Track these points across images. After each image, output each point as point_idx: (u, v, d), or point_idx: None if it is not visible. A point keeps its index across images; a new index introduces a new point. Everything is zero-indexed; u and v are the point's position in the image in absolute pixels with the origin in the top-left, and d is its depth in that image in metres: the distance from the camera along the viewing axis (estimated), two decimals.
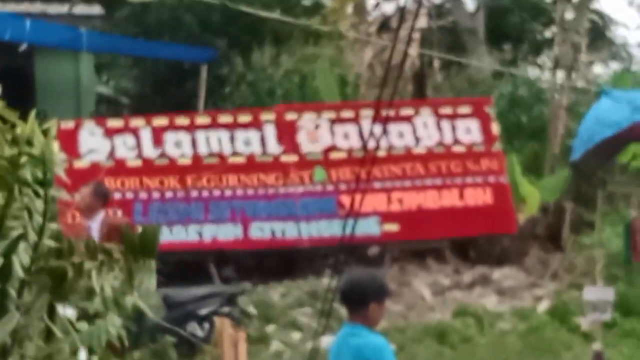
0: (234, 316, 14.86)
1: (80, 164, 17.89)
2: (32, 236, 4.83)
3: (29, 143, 4.97)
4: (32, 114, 5.06)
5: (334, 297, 8.11)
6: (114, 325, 6.01)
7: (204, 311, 15.32)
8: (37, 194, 5.03)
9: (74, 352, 5.40)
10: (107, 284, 5.52)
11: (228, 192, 19.53)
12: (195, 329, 14.64)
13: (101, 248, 5.51)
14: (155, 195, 19.16)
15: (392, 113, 20.04)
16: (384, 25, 22.71)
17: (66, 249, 5.27)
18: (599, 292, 11.76)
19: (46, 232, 4.92)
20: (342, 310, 8.70)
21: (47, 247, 4.98)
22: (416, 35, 21.52)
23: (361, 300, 7.58)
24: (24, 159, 4.91)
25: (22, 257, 4.69)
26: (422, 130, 19.98)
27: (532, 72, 27.07)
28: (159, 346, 11.75)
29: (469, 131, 20.20)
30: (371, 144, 19.61)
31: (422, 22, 21.58)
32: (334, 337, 8.07)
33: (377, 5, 23.52)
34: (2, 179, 4.89)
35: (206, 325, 15.00)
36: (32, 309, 4.95)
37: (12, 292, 4.76)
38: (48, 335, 5.25)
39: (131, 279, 5.64)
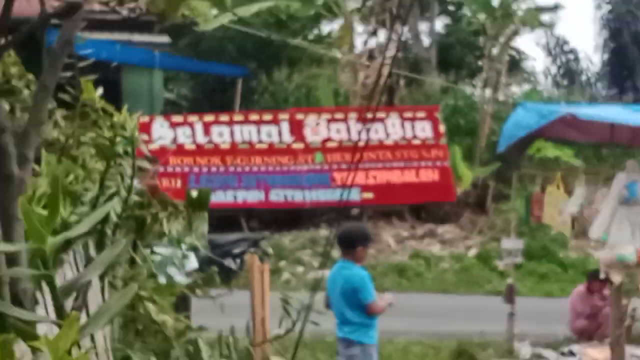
0: (257, 255, 14.86)
1: (152, 146, 17.80)
2: (123, 193, 4.79)
3: (122, 128, 4.93)
4: (125, 108, 5.02)
5: (331, 244, 8.05)
6: (178, 258, 5.98)
7: (236, 251, 15.34)
8: (126, 163, 4.99)
9: (150, 275, 5.38)
10: (174, 228, 5.48)
11: (255, 168, 19.53)
12: (230, 263, 14.64)
13: (170, 202, 5.47)
14: (204, 169, 19.16)
15: (370, 115, 20.12)
16: (370, 55, 22.69)
17: (146, 202, 5.23)
18: (512, 243, 11.69)
19: (133, 190, 4.88)
20: (334, 252, 8.66)
21: (133, 200, 4.94)
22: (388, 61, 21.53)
23: (351, 244, 7.56)
24: (118, 138, 4.86)
25: (116, 207, 4.65)
26: (391, 128, 19.96)
27: (468, 89, 26.92)
28: (207, 274, 11.75)
29: (424, 130, 20.19)
30: (356, 137, 19.63)
31: (393, 52, 21.51)
32: (330, 270, 8.04)
33: (365, 42, 23.44)
34: (103, 152, 4.85)
35: (238, 261, 15.01)
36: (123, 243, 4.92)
37: (109, 232, 4.73)
38: (132, 263, 5.22)
39: (190, 226, 5.59)
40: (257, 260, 7.29)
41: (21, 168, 3.22)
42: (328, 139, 19.92)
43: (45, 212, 1.93)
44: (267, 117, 20.28)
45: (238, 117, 20.31)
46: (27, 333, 1.61)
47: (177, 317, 5.21)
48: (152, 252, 5.60)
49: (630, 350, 9.58)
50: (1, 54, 3.86)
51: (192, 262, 8.77)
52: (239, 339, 4.31)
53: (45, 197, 4.62)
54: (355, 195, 18.68)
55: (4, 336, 1.38)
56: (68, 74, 5.25)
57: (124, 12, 3.02)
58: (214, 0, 2.66)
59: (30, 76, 5.71)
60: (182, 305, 7.26)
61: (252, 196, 19.29)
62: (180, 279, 6.50)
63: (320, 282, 7.67)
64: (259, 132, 19.81)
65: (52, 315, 2.08)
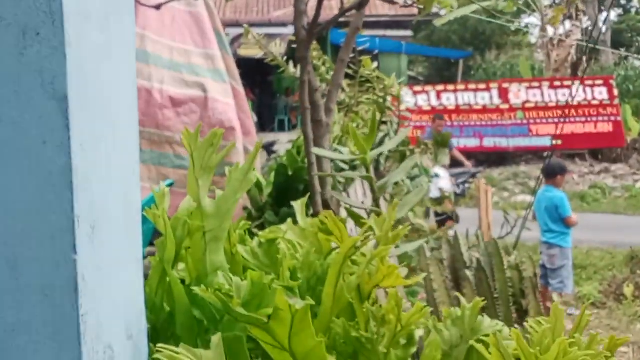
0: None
1: (401, 107, 17.77)
2: (392, 134, 4.77)
3: (390, 89, 4.89)
4: (393, 76, 4.96)
5: (540, 179, 7.63)
6: (425, 182, 5.89)
7: (460, 180, 14.94)
8: (394, 114, 4.96)
9: (407, 192, 5.33)
10: (424, 160, 5.41)
11: (472, 123, 19.02)
12: (456, 188, 14.34)
13: (423, 142, 5.40)
14: None
15: (557, 83, 19.05)
16: (559, 39, 21.25)
17: (407, 142, 5.19)
18: None
19: (400, 133, 4.84)
20: (531, 183, 8.24)
21: (402, 140, 4.90)
22: (574, 44, 20.23)
23: (553, 173, 7.16)
24: (388, 97, 4.84)
25: (388, 146, 4.64)
26: (575, 92, 18.71)
27: (636, 62, 24.72)
28: (442, 195, 11.63)
29: (601, 93, 18.81)
30: (547, 100, 18.67)
31: (578, 36, 20.07)
32: (536, 194, 7.66)
33: (556, 29, 21.76)
34: (379, 106, 4.84)
35: (462, 187, 14.66)
36: (391, 170, 4.91)
37: (382, 162, 4.73)
38: (395, 184, 5.17)
39: (436, 158, 5.50)
40: (484, 183, 7.10)
41: (327, 116, 3.26)
42: (527, 101, 19.00)
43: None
44: (482, 86, 19.63)
45: (460, 87, 19.81)
46: (357, 216, 1.60)
47: (430, 221, 5.17)
48: (408, 177, 5.58)
49: None
50: (311, 43, 3.93)
51: (447, 185, 8.44)
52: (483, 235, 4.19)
53: (338, 138, 4.63)
54: (548, 142, 17.80)
55: (340, 217, 1.36)
56: (351, 55, 5.28)
57: (399, 4, 2.93)
58: None
59: (325, 57, 5.80)
60: (433, 214, 7.19)
61: (470, 142, 18.79)
62: (433, 195, 6.44)
63: (528, 204, 7.36)
64: (475, 97, 19.24)
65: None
